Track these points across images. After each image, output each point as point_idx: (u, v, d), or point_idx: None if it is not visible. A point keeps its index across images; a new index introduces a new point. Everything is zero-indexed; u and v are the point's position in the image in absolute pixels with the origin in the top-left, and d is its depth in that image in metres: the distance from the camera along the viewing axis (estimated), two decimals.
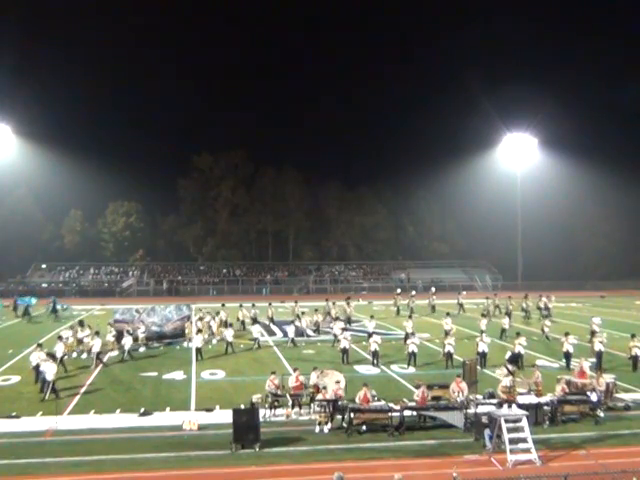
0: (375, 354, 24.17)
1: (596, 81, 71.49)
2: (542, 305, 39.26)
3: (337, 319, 32.38)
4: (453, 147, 68.80)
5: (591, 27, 76.44)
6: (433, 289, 46.37)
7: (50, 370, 19.41)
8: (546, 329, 29.95)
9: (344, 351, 24.57)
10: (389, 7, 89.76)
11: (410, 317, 30.63)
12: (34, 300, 41.68)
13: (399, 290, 48.51)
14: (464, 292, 47.22)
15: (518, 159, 69.45)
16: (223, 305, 34.48)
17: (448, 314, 31.46)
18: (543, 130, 67.06)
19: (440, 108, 71.10)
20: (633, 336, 24.23)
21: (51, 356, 21.73)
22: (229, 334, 27.07)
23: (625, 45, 74.05)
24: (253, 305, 34.66)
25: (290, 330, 29.28)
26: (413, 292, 45.75)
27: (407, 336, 26.73)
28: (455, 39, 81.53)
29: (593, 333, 28.29)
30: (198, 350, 25.56)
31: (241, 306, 34.39)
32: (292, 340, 28.92)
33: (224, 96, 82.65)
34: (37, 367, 21.28)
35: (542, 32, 78.47)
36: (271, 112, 79.46)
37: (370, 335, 26.66)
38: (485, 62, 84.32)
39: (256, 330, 28.64)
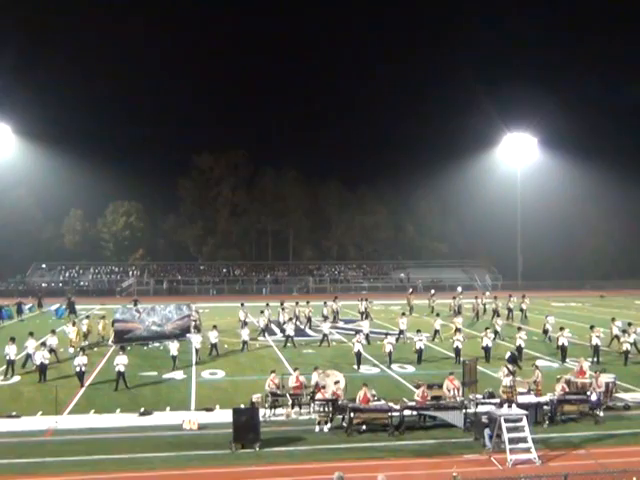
0: (390, 355, 24.00)
1: (596, 81, 71.57)
2: (511, 306, 38.87)
3: (291, 319, 31.17)
4: (453, 147, 68.85)
5: (591, 27, 76.49)
6: (459, 289, 46.10)
7: (122, 361, 20.37)
8: (497, 327, 29.68)
9: (358, 355, 23.84)
10: (389, 7, 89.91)
11: (437, 315, 31.41)
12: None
13: (411, 290, 48.19)
14: (487, 292, 46.75)
15: (518, 159, 69.45)
16: (242, 305, 34.47)
17: (404, 314, 31.42)
18: (543, 130, 67.17)
19: (440, 108, 71.18)
20: (624, 332, 25.21)
21: (82, 350, 22.55)
22: (245, 333, 27.55)
23: (625, 45, 74.10)
24: (267, 305, 34.64)
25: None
26: (432, 291, 45.18)
27: (435, 333, 27.64)
28: (455, 39, 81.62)
29: (546, 332, 29.38)
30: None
31: (267, 305, 34.45)
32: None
33: (224, 96, 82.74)
34: (42, 365, 21.62)
35: (542, 32, 78.67)
36: (271, 112, 79.48)
37: (385, 336, 26.41)
38: (485, 62, 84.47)
39: (245, 333, 28.17)
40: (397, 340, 28.34)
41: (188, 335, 28.61)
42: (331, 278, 69.07)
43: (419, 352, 24.71)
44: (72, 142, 62.97)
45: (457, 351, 24.58)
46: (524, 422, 14.61)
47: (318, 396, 16.77)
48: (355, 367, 23.58)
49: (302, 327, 33.90)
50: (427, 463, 14.01)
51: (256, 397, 17.06)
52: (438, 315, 31.13)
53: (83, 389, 20.55)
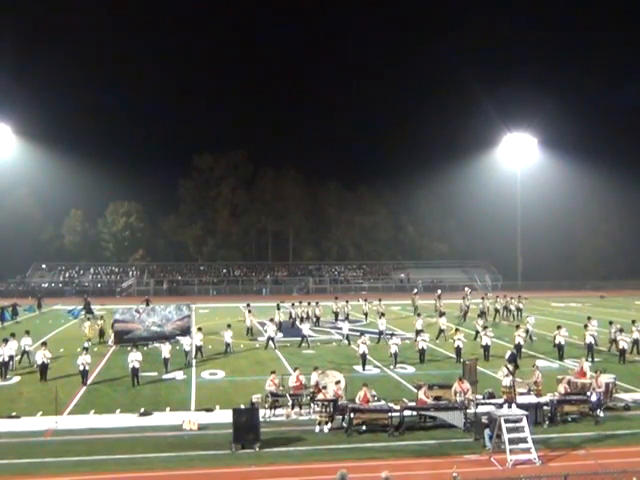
0: (395, 356, 23.97)
1: (596, 81, 71.56)
2: (499, 307, 38.81)
3: (272, 320, 30.75)
4: (453, 147, 68.84)
5: (591, 27, 76.46)
6: (467, 289, 46.22)
7: (136, 358, 20.97)
8: (478, 327, 29.50)
9: (363, 356, 23.55)
10: (389, 6, 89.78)
11: (419, 314, 31.33)
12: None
13: (416, 290, 47.97)
14: (489, 293, 46.72)
15: (518, 159, 69.48)
16: (248, 305, 34.34)
17: (383, 315, 31.36)
18: (543, 130, 67.17)
19: (440, 108, 71.10)
20: (621, 331, 25.43)
21: (85, 349, 22.91)
22: (228, 335, 27.06)
23: (625, 45, 74.07)
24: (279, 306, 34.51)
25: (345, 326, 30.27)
26: (439, 291, 45.10)
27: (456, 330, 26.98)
28: (455, 39, 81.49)
29: (527, 332, 29.23)
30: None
31: (278, 306, 34.41)
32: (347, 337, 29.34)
33: (224, 96, 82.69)
34: (43, 365, 21.64)
35: (542, 32, 78.51)
36: (271, 112, 79.44)
37: (390, 337, 26.50)
38: (485, 62, 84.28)
39: (228, 335, 27.51)
40: (378, 341, 28.85)
41: (178, 337, 28.42)
42: (331, 278, 69.07)
43: (422, 352, 24.85)
44: (72, 142, 62.95)
45: (458, 351, 24.69)
46: (524, 422, 14.61)
47: (319, 397, 16.77)
48: (356, 367, 23.52)
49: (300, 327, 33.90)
50: (427, 463, 14.02)
51: (256, 397, 17.05)
52: (419, 315, 31.15)
53: (83, 389, 20.57)
